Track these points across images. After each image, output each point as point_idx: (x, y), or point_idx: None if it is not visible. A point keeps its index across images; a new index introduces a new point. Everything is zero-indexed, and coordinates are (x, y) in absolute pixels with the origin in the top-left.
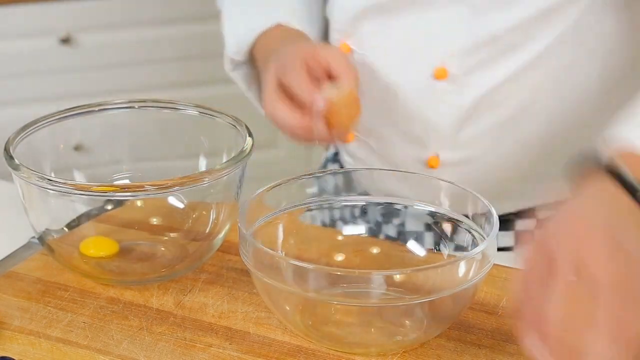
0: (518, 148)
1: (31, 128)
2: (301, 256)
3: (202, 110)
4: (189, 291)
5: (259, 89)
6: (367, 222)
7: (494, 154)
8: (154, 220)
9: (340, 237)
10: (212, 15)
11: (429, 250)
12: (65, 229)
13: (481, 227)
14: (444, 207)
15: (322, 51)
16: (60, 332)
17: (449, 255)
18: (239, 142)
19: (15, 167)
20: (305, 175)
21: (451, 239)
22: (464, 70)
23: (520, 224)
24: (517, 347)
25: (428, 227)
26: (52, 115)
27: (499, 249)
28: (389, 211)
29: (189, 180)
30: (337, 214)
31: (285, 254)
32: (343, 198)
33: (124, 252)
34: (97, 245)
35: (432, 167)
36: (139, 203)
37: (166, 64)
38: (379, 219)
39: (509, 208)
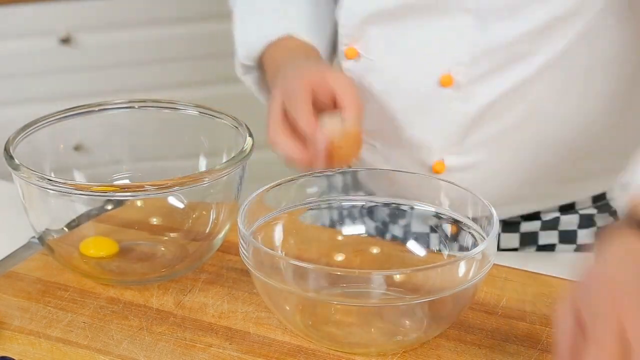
0: (524, 155)
1: (31, 128)
2: (301, 256)
3: (202, 110)
4: (189, 291)
5: (269, 92)
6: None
7: (500, 160)
8: (154, 220)
9: (340, 237)
10: (212, 16)
11: (429, 250)
12: (65, 229)
13: (481, 227)
14: (444, 207)
15: (330, 78)
16: (60, 332)
17: (449, 255)
18: (239, 142)
19: (15, 167)
20: (305, 175)
21: (452, 239)
22: (469, 78)
23: (525, 226)
24: (517, 347)
25: (429, 228)
26: (52, 115)
27: (505, 250)
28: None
29: (189, 180)
30: (344, 213)
31: (285, 254)
32: (343, 198)
33: (124, 252)
34: (97, 245)
35: (437, 172)
36: (139, 203)
37: (166, 64)
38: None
39: (515, 212)
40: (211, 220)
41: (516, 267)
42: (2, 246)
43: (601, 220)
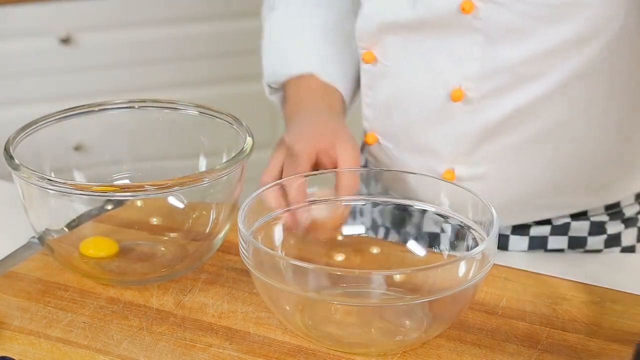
0: (535, 168)
1: (31, 128)
2: (301, 256)
3: (202, 110)
4: (189, 291)
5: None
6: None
7: (510, 173)
8: (154, 220)
9: (340, 237)
10: (212, 16)
11: (429, 250)
12: (65, 229)
13: (482, 227)
14: (444, 207)
15: (337, 147)
16: (60, 332)
17: (449, 255)
18: (239, 142)
19: (15, 167)
20: (305, 175)
21: (452, 239)
22: (480, 94)
23: (535, 230)
24: (517, 347)
25: (427, 227)
26: (52, 115)
27: (514, 252)
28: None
29: (189, 180)
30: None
31: (285, 254)
32: (343, 198)
33: (124, 252)
34: (96, 245)
35: (447, 180)
36: (139, 203)
37: (166, 64)
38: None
39: (525, 219)
40: (211, 220)
41: (520, 267)
42: (2, 246)
43: (612, 227)
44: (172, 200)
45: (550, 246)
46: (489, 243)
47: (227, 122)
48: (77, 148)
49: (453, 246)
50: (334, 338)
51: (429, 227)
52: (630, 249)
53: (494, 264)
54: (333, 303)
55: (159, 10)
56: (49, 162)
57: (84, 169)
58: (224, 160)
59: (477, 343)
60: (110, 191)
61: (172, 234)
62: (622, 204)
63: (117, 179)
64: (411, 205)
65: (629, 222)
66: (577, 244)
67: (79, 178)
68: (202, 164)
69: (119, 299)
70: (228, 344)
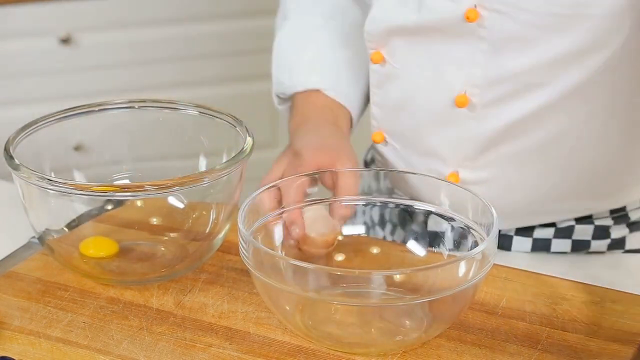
0: (540, 175)
1: (31, 128)
2: (301, 256)
3: (202, 110)
4: (189, 291)
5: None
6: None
7: (515, 178)
8: (154, 220)
9: (340, 237)
10: (212, 16)
11: (429, 250)
12: (65, 229)
13: (482, 227)
14: (444, 207)
15: (339, 175)
16: (60, 332)
17: (449, 255)
18: (239, 142)
19: (15, 167)
20: (305, 175)
21: (452, 239)
22: (484, 101)
23: (539, 232)
24: (517, 347)
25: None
26: (52, 115)
27: (518, 252)
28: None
29: (189, 180)
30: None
31: (285, 254)
32: (343, 198)
33: (124, 252)
34: (96, 245)
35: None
36: (139, 203)
37: (166, 64)
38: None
39: (529, 222)
40: (211, 220)
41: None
42: (2, 246)
43: (617, 232)
44: (172, 200)
45: (553, 249)
46: (488, 243)
47: (227, 122)
48: (77, 148)
49: (453, 246)
50: (334, 338)
51: (429, 227)
52: (635, 252)
53: (494, 264)
54: (333, 303)
55: (159, 10)
56: (49, 162)
57: (84, 169)
58: (224, 160)
59: (477, 343)
60: (110, 191)
61: (172, 234)
62: (628, 208)
63: (117, 179)
64: (411, 206)
65: (633, 226)
66: (580, 247)
67: (79, 178)
68: (202, 164)
69: (119, 299)
70: (228, 344)
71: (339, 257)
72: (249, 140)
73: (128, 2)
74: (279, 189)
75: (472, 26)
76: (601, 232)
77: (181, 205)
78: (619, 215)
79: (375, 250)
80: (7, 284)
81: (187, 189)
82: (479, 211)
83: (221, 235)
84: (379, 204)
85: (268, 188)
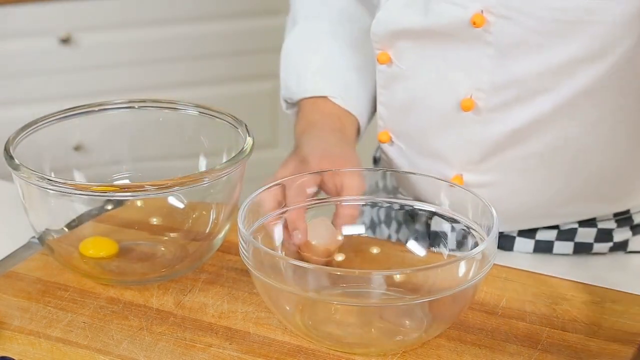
0: (545, 180)
1: (31, 128)
2: (301, 258)
3: (202, 110)
4: (189, 291)
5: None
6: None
7: (518, 183)
8: (154, 220)
9: (340, 237)
10: (212, 16)
11: (429, 250)
12: (65, 229)
13: (482, 227)
14: (444, 207)
15: (343, 175)
16: (60, 332)
17: (449, 255)
18: (239, 142)
19: (15, 167)
20: (305, 175)
21: (452, 239)
22: (490, 105)
23: (541, 234)
24: (517, 347)
25: (427, 227)
26: (52, 115)
27: (519, 252)
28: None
29: (189, 180)
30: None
31: (285, 254)
32: (343, 198)
33: (123, 252)
34: (96, 245)
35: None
36: (139, 203)
37: (166, 64)
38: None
39: (532, 225)
40: (211, 220)
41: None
42: (2, 246)
43: (619, 235)
44: (172, 200)
45: (555, 250)
46: (488, 243)
47: (227, 122)
48: (77, 148)
49: (455, 246)
50: (334, 338)
51: (432, 227)
52: (638, 252)
53: (494, 264)
54: (333, 303)
55: (159, 10)
56: (49, 162)
57: (84, 169)
58: (224, 160)
59: (477, 343)
60: (110, 191)
61: (172, 234)
62: (632, 211)
63: (117, 179)
64: (413, 206)
65: (637, 228)
66: (582, 249)
67: (79, 178)
68: (202, 164)
69: (119, 299)
70: (228, 344)
71: (339, 257)
72: (249, 140)
73: (128, 2)
74: (281, 189)
75: (478, 31)
76: (604, 235)
77: (181, 205)
78: (623, 217)
79: (375, 250)
80: (7, 284)
81: (187, 189)
82: (479, 212)
83: (221, 235)
84: (385, 205)
85: (269, 187)
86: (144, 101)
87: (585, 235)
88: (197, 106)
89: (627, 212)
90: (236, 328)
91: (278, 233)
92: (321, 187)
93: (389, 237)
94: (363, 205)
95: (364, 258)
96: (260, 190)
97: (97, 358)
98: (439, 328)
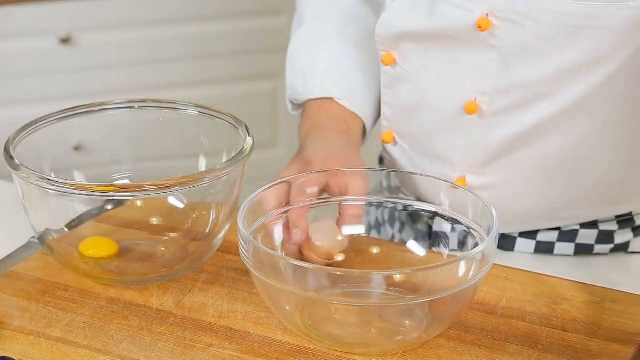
0: (546, 184)
1: (31, 128)
2: (301, 258)
3: (202, 110)
4: (189, 291)
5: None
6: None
7: (521, 186)
8: (154, 220)
9: (340, 237)
10: (212, 16)
11: (429, 250)
12: (65, 229)
13: (482, 227)
14: (444, 207)
15: (348, 177)
16: (60, 332)
17: (449, 255)
18: (239, 142)
19: (15, 167)
20: (309, 174)
21: (452, 240)
22: (494, 109)
23: (543, 235)
24: (517, 347)
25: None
26: (52, 115)
27: (520, 253)
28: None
29: (189, 180)
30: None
31: (285, 254)
32: (345, 198)
33: (123, 252)
34: (96, 246)
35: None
36: (139, 203)
37: (166, 64)
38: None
39: (534, 227)
40: (211, 220)
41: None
42: (2, 246)
43: (621, 237)
44: (172, 200)
45: (556, 252)
46: (488, 243)
47: (227, 122)
48: (77, 148)
49: (454, 246)
50: (334, 338)
51: (434, 227)
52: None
53: (494, 264)
54: (333, 303)
55: (159, 10)
56: (49, 162)
57: (84, 169)
58: (224, 160)
59: (477, 343)
60: (110, 191)
61: (172, 234)
62: (634, 212)
63: (117, 179)
64: (415, 207)
65: (638, 230)
66: (583, 251)
67: (79, 178)
68: (202, 164)
69: (119, 299)
70: (228, 344)
71: (339, 257)
72: (249, 140)
73: (128, 2)
74: (284, 189)
75: (483, 35)
76: (605, 237)
77: (181, 205)
78: (625, 219)
79: (375, 250)
80: (7, 284)
81: (187, 189)
82: (479, 212)
83: (221, 235)
84: (389, 206)
85: (272, 186)
86: (144, 101)
87: (587, 236)
88: (197, 106)
89: (629, 214)
90: (236, 328)
91: (278, 233)
92: (325, 189)
93: (393, 237)
94: (365, 205)
95: (364, 258)
96: (261, 189)
97: (97, 358)
98: (439, 328)
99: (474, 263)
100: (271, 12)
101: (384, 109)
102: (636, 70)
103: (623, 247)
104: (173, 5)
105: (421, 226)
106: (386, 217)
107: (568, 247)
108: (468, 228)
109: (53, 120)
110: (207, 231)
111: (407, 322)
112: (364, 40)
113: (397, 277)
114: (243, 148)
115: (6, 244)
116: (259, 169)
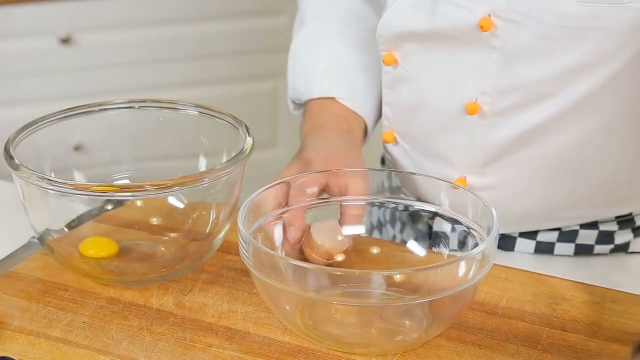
0: (547, 185)
1: (31, 128)
2: (301, 258)
3: (202, 110)
4: (189, 291)
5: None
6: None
7: (522, 187)
8: (154, 220)
9: (340, 237)
10: (212, 16)
11: (429, 250)
12: (65, 229)
13: (482, 227)
14: (444, 207)
15: (348, 177)
16: (60, 332)
17: (449, 255)
18: (239, 142)
19: (15, 167)
20: (308, 174)
21: (452, 240)
22: (495, 109)
23: (543, 235)
24: (517, 347)
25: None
26: (52, 115)
27: (520, 253)
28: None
29: (189, 180)
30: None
31: (285, 254)
32: (345, 198)
33: (123, 252)
34: (96, 246)
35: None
36: (139, 203)
37: (166, 64)
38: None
39: (534, 227)
40: (211, 220)
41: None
42: (2, 246)
43: (621, 237)
44: (172, 200)
45: (556, 252)
46: (488, 243)
47: (227, 122)
48: (77, 148)
49: (454, 246)
50: (334, 338)
51: (435, 227)
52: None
53: (494, 264)
54: (333, 303)
55: (159, 10)
56: (49, 162)
57: (84, 169)
58: (224, 160)
59: (477, 343)
60: (110, 191)
61: (172, 234)
62: (634, 213)
63: (117, 179)
64: (416, 207)
65: (638, 230)
66: (583, 251)
67: (79, 178)
68: (202, 164)
69: (119, 299)
70: (228, 344)
71: (339, 257)
72: (249, 140)
73: (128, 2)
74: (283, 189)
75: (485, 35)
76: (605, 237)
77: (181, 205)
78: (625, 219)
79: (375, 250)
80: (7, 284)
81: (187, 189)
82: (479, 212)
83: (221, 235)
84: (391, 206)
85: (271, 186)
86: (144, 101)
87: (587, 237)
88: (197, 106)
89: (630, 214)
90: (236, 328)
91: (278, 233)
92: (325, 189)
93: (394, 237)
94: (365, 205)
95: (364, 258)
96: (261, 190)
97: (97, 358)
98: (439, 328)
99: (474, 263)
100: (271, 12)
101: (385, 109)
102: (637, 71)
103: (623, 248)
104: (173, 5)
105: (421, 226)
106: (388, 217)
107: (568, 248)
108: (468, 228)
109: (53, 120)
110: (207, 231)
111: (407, 322)
112: (366, 40)
113: (397, 277)
114: (243, 148)
115: (6, 244)
116: (259, 169)
